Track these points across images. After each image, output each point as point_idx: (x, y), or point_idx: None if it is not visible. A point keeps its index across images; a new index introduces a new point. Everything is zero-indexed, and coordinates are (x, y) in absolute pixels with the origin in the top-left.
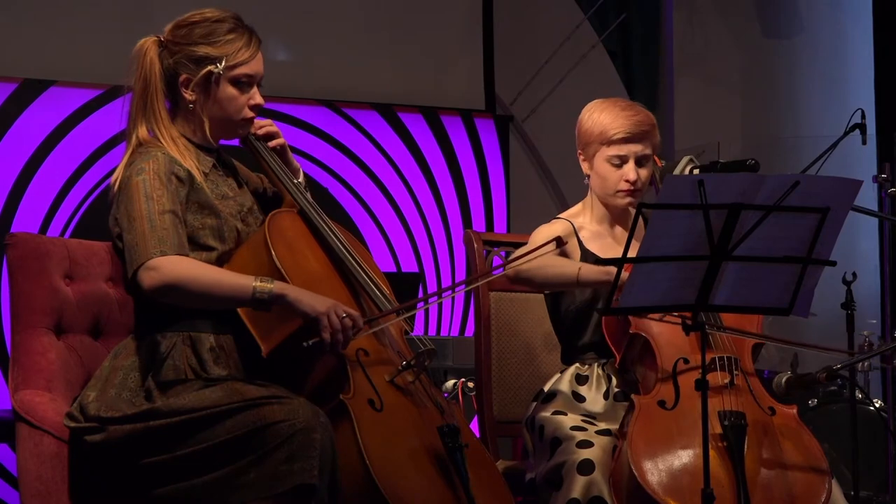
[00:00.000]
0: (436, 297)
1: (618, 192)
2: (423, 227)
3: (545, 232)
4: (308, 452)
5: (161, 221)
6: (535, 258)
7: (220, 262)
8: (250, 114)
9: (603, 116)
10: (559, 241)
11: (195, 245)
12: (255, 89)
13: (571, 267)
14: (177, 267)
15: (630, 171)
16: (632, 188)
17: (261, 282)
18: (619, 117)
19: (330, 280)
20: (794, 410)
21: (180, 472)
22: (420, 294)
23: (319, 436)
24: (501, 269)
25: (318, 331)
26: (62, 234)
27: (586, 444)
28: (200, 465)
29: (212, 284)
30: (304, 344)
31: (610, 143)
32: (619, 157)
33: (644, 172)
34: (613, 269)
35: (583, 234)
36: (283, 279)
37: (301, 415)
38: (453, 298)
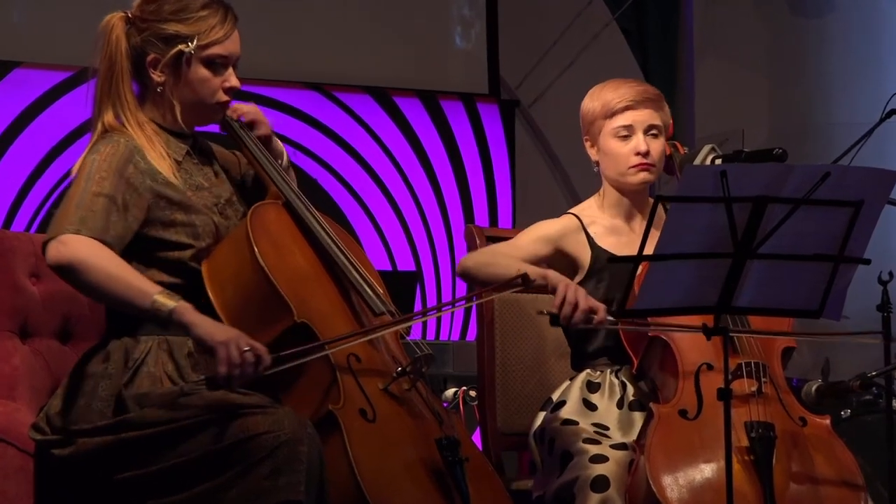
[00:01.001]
0: (436, 311)
1: (630, 167)
2: (421, 222)
3: (543, 228)
4: (294, 466)
5: (91, 203)
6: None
7: (198, 259)
8: (225, 97)
9: (604, 93)
10: (525, 280)
11: (166, 244)
12: (230, 71)
13: (511, 266)
14: (84, 249)
15: (640, 141)
16: (645, 161)
17: (164, 296)
18: (621, 88)
19: (318, 279)
20: (827, 421)
21: (155, 488)
22: (417, 294)
23: (306, 448)
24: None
25: (215, 363)
26: (28, 228)
27: (600, 459)
28: (177, 481)
29: (113, 278)
30: (196, 379)
31: (613, 114)
32: (625, 126)
33: (656, 145)
34: (554, 277)
35: (594, 229)
36: (266, 277)
37: (286, 425)
38: (454, 296)
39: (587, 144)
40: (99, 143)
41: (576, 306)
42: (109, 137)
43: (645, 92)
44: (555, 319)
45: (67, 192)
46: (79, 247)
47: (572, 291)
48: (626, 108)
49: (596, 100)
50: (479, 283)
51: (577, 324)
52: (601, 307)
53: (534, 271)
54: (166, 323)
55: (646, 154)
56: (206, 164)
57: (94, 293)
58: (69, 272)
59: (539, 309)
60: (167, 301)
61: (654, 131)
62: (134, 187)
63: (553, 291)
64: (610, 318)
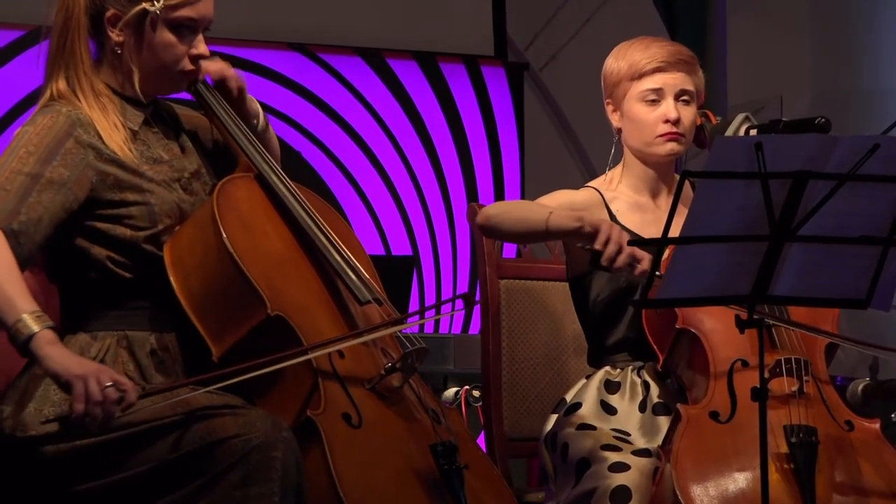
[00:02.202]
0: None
1: (657, 137)
2: (418, 201)
3: (567, 195)
4: (267, 475)
5: (6, 181)
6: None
7: (155, 242)
8: (190, 66)
9: (631, 51)
10: (466, 299)
11: (119, 224)
12: (199, 37)
13: (541, 212)
14: None
15: (669, 108)
16: (674, 130)
17: (31, 319)
18: (651, 47)
19: (296, 264)
20: (877, 426)
21: (114, 500)
22: (414, 282)
23: (281, 454)
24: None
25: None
26: None
27: (621, 468)
28: (138, 492)
29: None
30: (42, 421)
31: (641, 75)
32: (654, 90)
33: (687, 113)
34: (590, 217)
35: (616, 205)
36: (235, 265)
37: (258, 428)
38: (455, 284)
39: (609, 109)
40: (38, 113)
41: (620, 247)
42: (52, 107)
43: (678, 53)
44: (596, 258)
45: None
46: None
47: (617, 231)
48: (656, 70)
49: (622, 59)
50: (503, 234)
51: (619, 268)
52: (647, 257)
53: (567, 215)
54: (23, 350)
55: (676, 122)
56: (169, 134)
57: None
58: None
59: (581, 245)
60: (31, 324)
61: (685, 97)
62: (73, 164)
63: (592, 234)
64: (658, 273)
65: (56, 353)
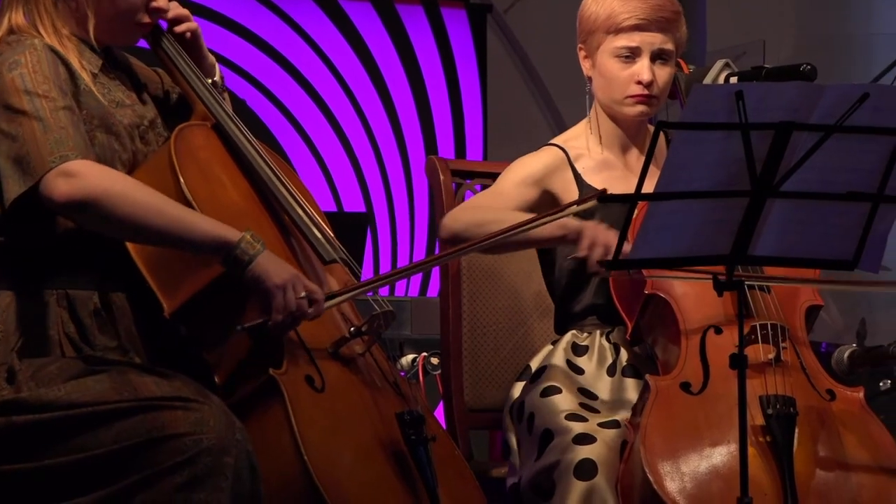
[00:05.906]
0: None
1: (627, 97)
2: (373, 153)
3: (525, 167)
4: (216, 481)
5: (55, 119)
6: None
7: None
8: (146, 19)
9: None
10: (604, 193)
11: None
12: None
13: (511, 223)
14: (105, 177)
15: (643, 68)
16: (645, 93)
17: (253, 237)
18: (632, 0)
19: (255, 217)
20: (861, 394)
21: (43, 487)
22: (368, 240)
23: (233, 460)
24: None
25: (267, 307)
26: None
27: (586, 440)
28: (71, 481)
29: (153, 208)
30: (240, 327)
31: (618, 30)
32: (629, 48)
33: (663, 74)
34: (573, 223)
35: (582, 163)
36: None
37: (212, 427)
38: (412, 243)
39: (581, 55)
40: (7, 51)
41: (608, 250)
42: (20, 42)
43: (660, 9)
44: (583, 266)
45: (8, 120)
46: (96, 175)
47: (602, 232)
48: (635, 28)
49: (601, 7)
50: (477, 248)
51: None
52: None
53: (548, 229)
54: (241, 272)
55: (648, 84)
56: (126, 82)
57: (129, 233)
58: (94, 210)
59: (570, 256)
60: (256, 245)
61: (663, 57)
62: (69, 88)
63: (577, 240)
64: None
65: (270, 264)
